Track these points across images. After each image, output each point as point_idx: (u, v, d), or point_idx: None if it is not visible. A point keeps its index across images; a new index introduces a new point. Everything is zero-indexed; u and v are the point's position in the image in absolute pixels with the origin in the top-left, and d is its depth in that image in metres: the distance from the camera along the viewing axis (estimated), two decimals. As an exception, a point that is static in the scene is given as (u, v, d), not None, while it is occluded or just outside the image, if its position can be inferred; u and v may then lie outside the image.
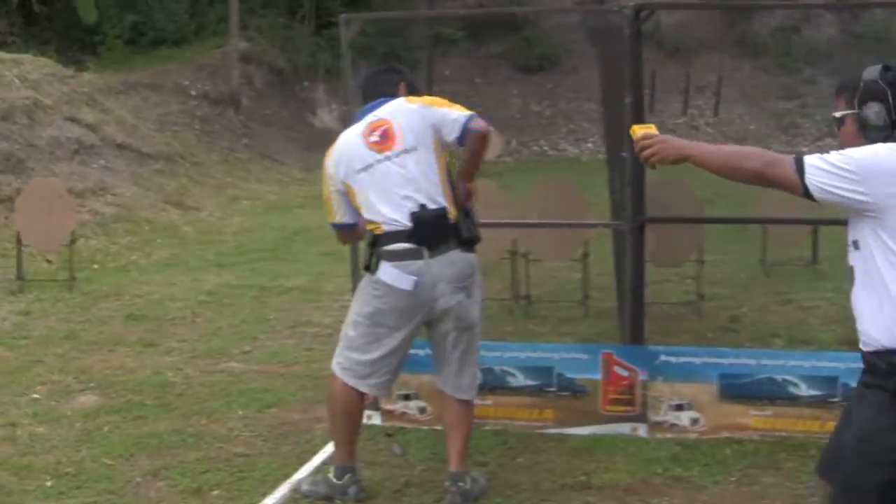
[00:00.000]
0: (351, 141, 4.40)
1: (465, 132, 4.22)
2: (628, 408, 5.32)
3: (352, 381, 4.49)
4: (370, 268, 4.38)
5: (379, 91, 4.49)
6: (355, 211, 4.43)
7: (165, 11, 21.29)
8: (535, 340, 7.14)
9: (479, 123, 4.24)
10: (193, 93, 18.82)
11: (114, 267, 10.68)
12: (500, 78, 26.20)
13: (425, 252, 4.26)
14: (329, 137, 4.57)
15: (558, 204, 8.05)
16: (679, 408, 5.32)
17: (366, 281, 4.45)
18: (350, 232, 4.58)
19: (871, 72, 3.17)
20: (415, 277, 4.26)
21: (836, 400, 5.11)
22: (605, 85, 7.41)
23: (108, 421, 5.76)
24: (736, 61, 25.50)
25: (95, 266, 10.62)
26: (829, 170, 3.07)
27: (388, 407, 5.54)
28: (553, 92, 26.10)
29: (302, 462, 5.06)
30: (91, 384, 6.51)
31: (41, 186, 10.13)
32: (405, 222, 4.24)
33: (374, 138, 4.32)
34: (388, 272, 4.31)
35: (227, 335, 7.79)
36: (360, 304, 4.48)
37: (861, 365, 3.18)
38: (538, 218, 7.87)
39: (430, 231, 4.25)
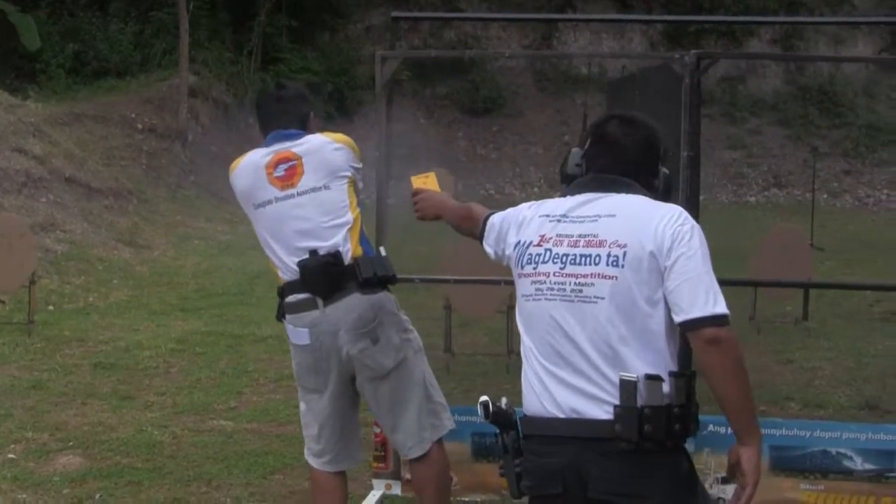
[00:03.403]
0: (252, 169, 3.95)
1: None
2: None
3: (311, 461, 4.09)
4: (280, 319, 4.01)
5: (288, 120, 4.03)
6: None
7: (109, 42, 20.68)
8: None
9: None
10: (140, 126, 18.19)
11: (71, 309, 10.08)
12: (445, 119, 25.98)
13: (319, 301, 3.83)
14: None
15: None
16: (724, 481, 4.99)
17: None
18: None
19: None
20: (306, 329, 3.85)
21: (893, 475, 4.84)
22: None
23: (98, 487, 5.25)
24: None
25: (51, 308, 10.01)
26: (489, 227, 3.05)
27: (409, 477, 5.11)
28: (498, 135, 25.97)
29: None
30: (70, 443, 5.99)
31: (1, 222, 9.47)
32: (297, 269, 3.85)
33: (279, 173, 3.89)
34: (288, 330, 3.94)
35: (208, 388, 7.29)
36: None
37: None
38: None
39: (318, 279, 3.82)
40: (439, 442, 4.11)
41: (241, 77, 22.05)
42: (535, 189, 24.03)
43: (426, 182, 3.55)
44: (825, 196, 21.95)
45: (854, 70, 25.20)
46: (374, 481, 5.08)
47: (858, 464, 4.92)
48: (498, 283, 5.52)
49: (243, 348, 8.53)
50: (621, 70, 19.77)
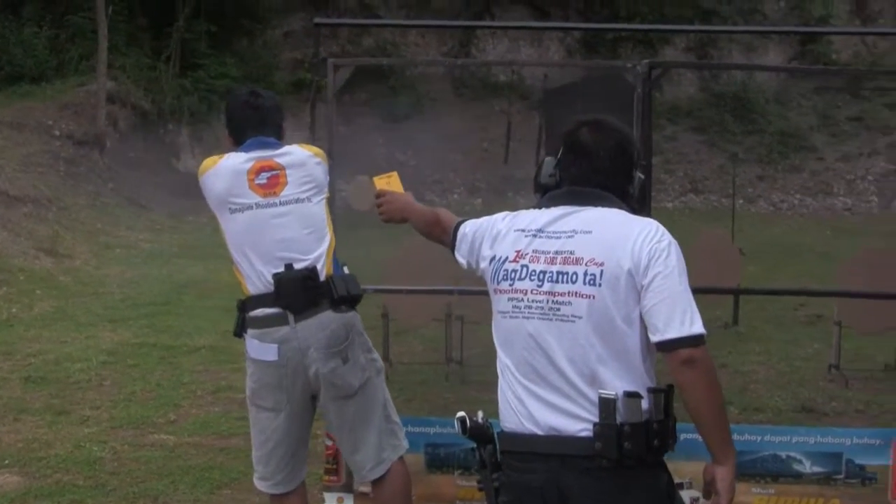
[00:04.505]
0: (231, 173, 3.85)
1: None
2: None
3: (259, 485, 4.05)
4: (238, 334, 3.93)
5: (267, 128, 3.97)
6: None
7: (23, 46, 20.13)
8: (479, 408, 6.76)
9: None
10: (57, 133, 17.77)
11: (-6, 322, 9.81)
12: (364, 126, 25.86)
13: (290, 316, 3.77)
14: (194, 183, 4.05)
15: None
16: (679, 486, 5.03)
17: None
18: None
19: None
20: (276, 345, 3.78)
21: (839, 477, 4.96)
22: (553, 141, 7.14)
23: (40, 507, 5.10)
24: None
25: (-28, 320, 9.74)
26: (461, 237, 3.02)
27: (364, 489, 5.04)
28: (418, 141, 25.93)
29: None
30: (6, 461, 5.82)
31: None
32: (270, 281, 3.78)
33: (261, 180, 3.83)
34: (251, 345, 3.86)
35: (144, 401, 7.14)
36: (246, 388, 4.02)
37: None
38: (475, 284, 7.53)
39: (294, 294, 3.77)
40: (400, 458, 4.08)
41: (159, 83, 21.63)
42: (455, 196, 24.11)
43: (389, 183, 3.46)
44: (741, 201, 22.28)
45: (766, 78, 25.69)
46: (326, 495, 5.01)
47: (807, 467, 5.02)
48: (451, 292, 5.55)
49: (177, 359, 8.36)
50: (542, 79, 19.91)
